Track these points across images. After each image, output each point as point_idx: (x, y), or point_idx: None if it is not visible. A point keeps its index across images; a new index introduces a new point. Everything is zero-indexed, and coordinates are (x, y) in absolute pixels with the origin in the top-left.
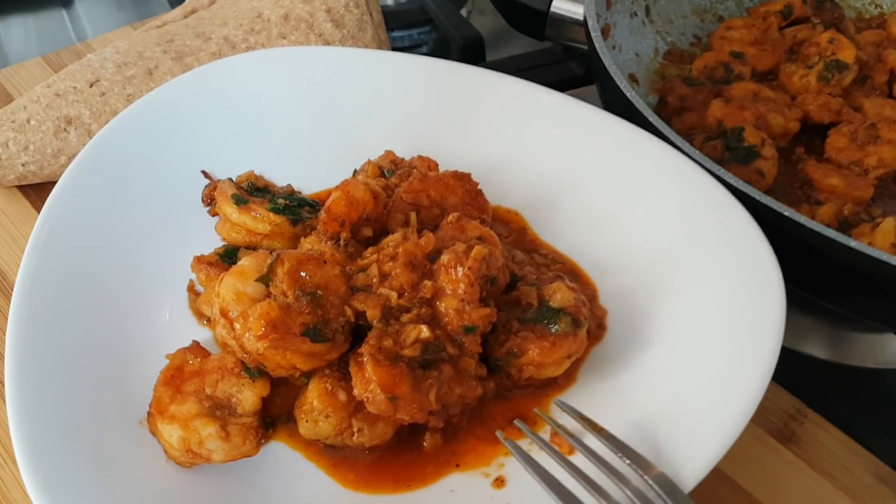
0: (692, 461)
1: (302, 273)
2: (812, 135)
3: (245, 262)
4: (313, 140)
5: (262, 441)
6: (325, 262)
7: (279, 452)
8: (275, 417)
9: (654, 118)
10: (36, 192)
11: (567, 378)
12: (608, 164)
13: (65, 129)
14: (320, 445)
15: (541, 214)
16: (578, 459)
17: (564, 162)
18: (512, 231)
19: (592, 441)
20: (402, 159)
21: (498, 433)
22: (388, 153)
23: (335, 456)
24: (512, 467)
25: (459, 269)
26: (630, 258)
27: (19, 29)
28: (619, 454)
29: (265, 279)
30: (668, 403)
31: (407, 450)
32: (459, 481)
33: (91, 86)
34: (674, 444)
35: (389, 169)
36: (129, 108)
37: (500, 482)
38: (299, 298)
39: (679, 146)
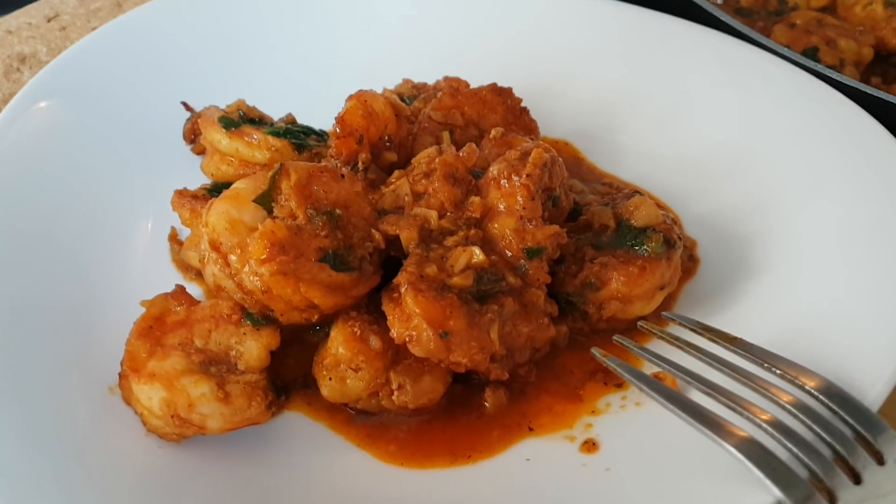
0: (868, 371)
1: (314, 188)
2: (885, 65)
3: (239, 184)
4: (314, 71)
5: (274, 410)
6: (342, 175)
7: (297, 425)
8: (287, 383)
9: (723, 14)
10: None
11: (657, 319)
12: (672, 73)
13: (17, 69)
14: (349, 412)
15: (595, 142)
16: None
17: (618, 78)
18: (565, 163)
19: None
20: (424, 84)
21: (594, 351)
22: (407, 81)
23: (369, 424)
24: (604, 427)
25: (515, 178)
26: (712, 177)
27: None
28: (766, 365)
29: (266, 200)
30: (800, 331)
31: (463, 413)
32: (536, 448)
33: (49, 21)
34: (828, 364)
35: (410, 95)
36: (91, 34)
37: (590, 446)
38: (313, 219)
39: (755, 39)
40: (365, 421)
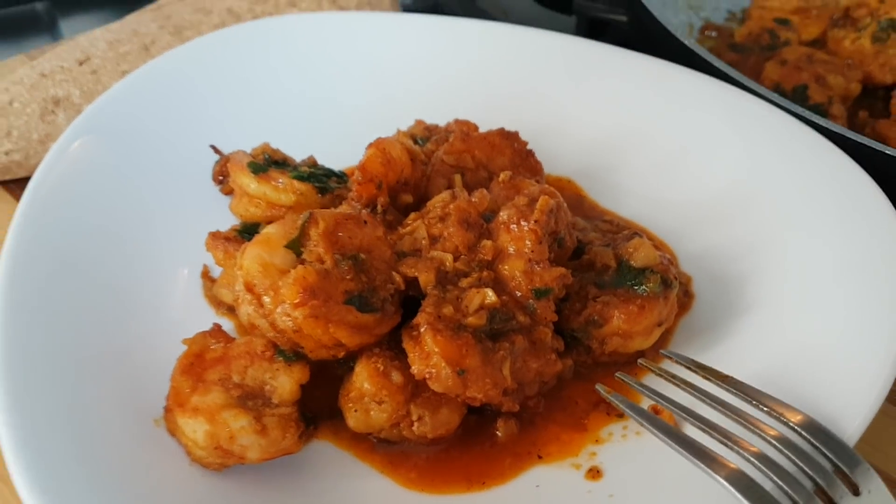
0: (847, 408)
1: (340, 234)
2: (872, 99)
3: (270, 229)
4: (332, 113)
5: (305, 439)
6: (365, 221)
7: (324, 453)
8: (315, 414)
9: (718, 62)
10: (21, 189)
11: (655, 352)
12: (670, 116)
13: (52, 111)
14: (373, 441)
15: (596, 181)
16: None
17: (619, 120)
18: (567, 200)
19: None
20: (436, 126)
21: (598, 387)
22: (419, 122)
23: (391, 452)
24: (607, 455)
25: (524, 223)
26: (707, 217)
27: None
28: (754, 402)
29: (296, 245)
30: (786, 367)
31: (477, 442)
32: (545, 475)
33: (81, 64)
34: (810, 400)
35: (423, 136)
36: (123, 79)
37: (594, 473)
38: (339, 263)
39: (749, 87)
40: (387, 449)
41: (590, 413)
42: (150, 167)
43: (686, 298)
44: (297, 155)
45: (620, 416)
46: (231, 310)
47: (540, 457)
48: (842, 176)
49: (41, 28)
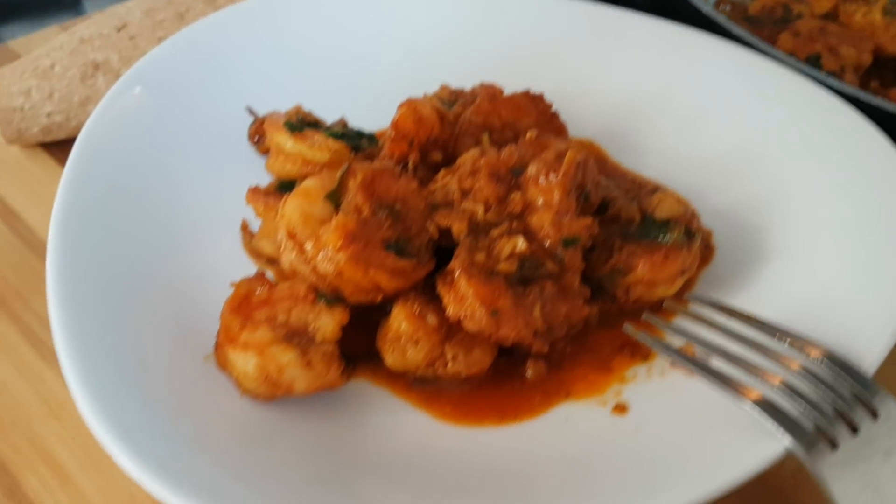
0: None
1: (377, 186)
2: (883, 70)
3: (309, 182)
4: (360, 79)
5: (346, 376)
6: (399, 175)
7: (363, 390)
8: (353, 356)
9: (735, 27)
10: (62, 151)
11: (678, 301)
12: (689, 79)
13: (92, 75)
14: (409, 380)
15: (618, 142)
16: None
17: (639, 83)
18: None
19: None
20: (462, 90)
21: (626, 327)
22: (444, 87)
23: (426, 390)
24: (632, 393)
25: (552, 176)
26: (726, 175)
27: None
28: (777, 337)
29: (335, 196)
30: (805, 311)
31: (508, 381)
32: (573, 411)
33: (119, 31)
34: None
35: (449, 100)
36: (161, 45)
37: (620, 409)
38: (377, 213)
39: (766, 51)
40: (422, 387)
41: (615, 356)
42: (189, 127)
43: (707, 251)
44: (327, 119)
45: (645, 358)
46: (270, 261)
47: (568, 395)
48: (856, 134)
49: (64, 6)
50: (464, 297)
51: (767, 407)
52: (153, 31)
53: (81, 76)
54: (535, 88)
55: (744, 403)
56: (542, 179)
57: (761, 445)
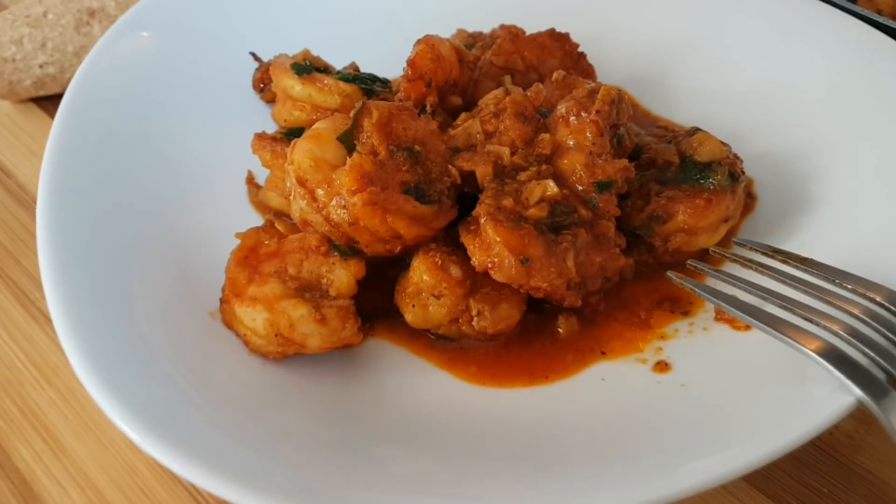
0: None
1: (394, 125)
2: None
3: (320, 124)
4: (371, 23)
5: (363, 335)
6: (418, 114)
7: (382, 349)
8: (370, 313)
9: None
10: (55, 106)
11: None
12: (721, 20)
13: (87, 23)
14: (430, 338)
15: (648, 88)
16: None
17: (669, 25)
18: None
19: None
20: (480, 33)
21: (669, 273)
22: (461, 31)
23: (450, 349)
24: (674, 350)
25: (584, 114)
26: (765, 120)
27: None
28: (836, 281)
29: (348, 137)
30: (856, 257)
31: (538, 339)
32: (610, 370)
33: None
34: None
35: (467, 44)
36: None
37: (662, 366)
38: (394, 154)
39: None
40: (445, 346)
41: (653, 311)
42: (190, 75)
43: (749, 200)
44: (337, 65)
45: (686, 313)
46: (278, 215)
47: (603, 353)
48: None
49: None
50: (490, 245)
51: (832, 355)
52: None
53: (76, 24)
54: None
55: (806, 352)
56: (572, 119)
57: (825, 399)
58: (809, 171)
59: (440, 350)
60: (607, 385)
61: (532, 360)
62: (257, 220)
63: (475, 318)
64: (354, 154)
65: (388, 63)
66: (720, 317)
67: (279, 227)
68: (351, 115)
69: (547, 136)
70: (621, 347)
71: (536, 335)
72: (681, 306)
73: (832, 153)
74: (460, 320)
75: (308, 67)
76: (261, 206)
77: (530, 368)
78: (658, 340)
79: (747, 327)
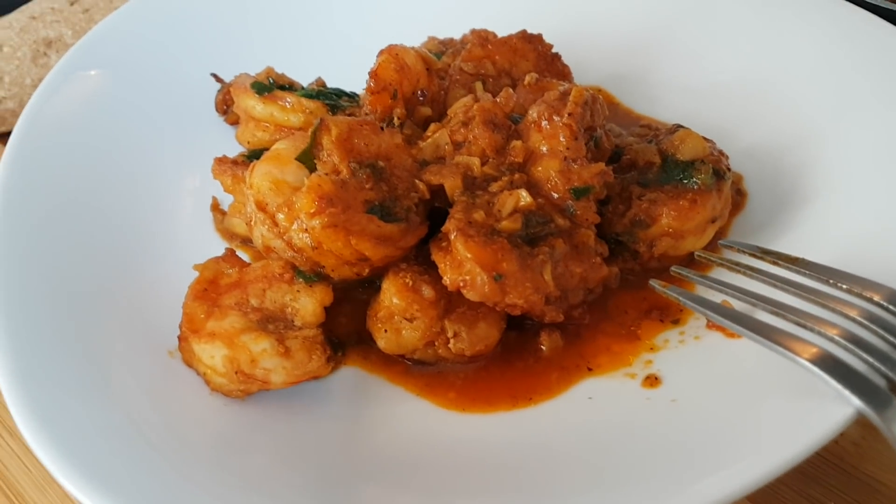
0: None
1: (355, 141)
2: None
3: (279, 145)
4: (338, 36)
5: (333, 364)
6: (381, 127)
7: (355, 379)
8: (341, 340)
9: None
10: None
11: (709, 252)
12: (700, 9)
13: (45, 54)
14: (406, 364)
15: (629, 86)
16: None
17: (647, 19)
18: None
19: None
20: (451, 39)
21: (652, 282)
22: (432, 38)
23: (427, 374)
24: (664, 362)
25: (556, 118)
26: (751, 112)
27: None
28: (831, 280)
29: (307, 157)
30: (853, 253)
31: (520, 358)
32: (597, 387)
33: (72, 4)
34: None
35: (437, 52)
36: (114, 13)
37: (652, 381)
38: (356, 172)
39: None
40: (422, 371)
41: (641, 321)
42: (150, 101)
43: (738, 197)
44: (304, 81)
45: (676, 321)
46: (245, 241)
47: (590, 369)
48: (888, 48)
49: None
50: (462, 262)
51: (828, 363)
52: (109, 2)
53: (33, 55)
54: (532, 31)
55: (800, 361)
56: (544, 123)
57: (824, 411)
58: (801, 164)
59: (417, 375)
60: (595, 404)
61: (514, 380)
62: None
63: (451, 341)
64: (312, 175)
65: (359, 75)
66: (712, 324)
67: (246, 253)
68: (309, 132)
69: (519, 143)
70: (609, 362)
71: (518, 354)
72: (670, 315)
73: (824, 144)
74: (436, 343)
75: (269, 86)
76: (227, 233)
77: (513, 390)
78: (647, 353)
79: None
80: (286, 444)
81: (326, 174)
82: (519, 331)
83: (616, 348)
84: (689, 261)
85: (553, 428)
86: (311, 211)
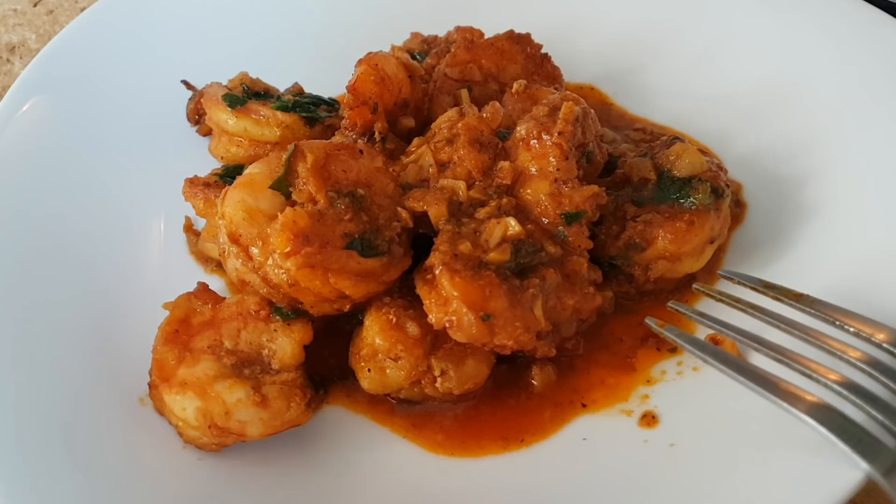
0: None
1: (333, 168)
2: None
3: (253, 168)
4: (315, 33)
5: (314, 406)
6: (360, 151)
7: (338, 420)
8: (324, 376)
9: None
10: None
11: (708, 275)
12: (701, 5)
13: (8, 60)
14: (391, 402)
15: (622, 85)
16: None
17: (643, 14)
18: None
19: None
20: (435, 37)
21: (648, 321)
22: (415, 35)
23: (413, 413)
24: (661, 397)
25: (545, 137)
26: (751, 116)
27: None
28: (834, 321)
29: (282, 185)
30: (861, 277)
31: (511, 394)
32: (592, 425)
33: (35, 5)
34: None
35: (421, 51)
36: (81, 16)
37: (649, 419)
38: (334, 202)
39: None
40: (408, 410)
41: (637, 350)
42: (116, 112)
43: (738, 208)
44: (280, 84)
45: (673, 350)
46: (220, 266)
47: (584, 405)
48: None
49: None
50: (448, 300)
51: (826, 415)
52: (74, 2)
53: None
54: (522, 27)
55: (805, 419)
56: (534, 142)
57: (833, 471)
58: (805, 173)
59: (403, 415)
60: (590, 446)
61: (506, 419)
62: (200, 273)
63: (439, 379)
64: (287, 209)
65: (338, 76)
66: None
67: (222, 279)
68: (284, 159)
69: (507, 164)
70: (604, 397)
71: (509, 390)
72: (667, 343)
73: (828, 150)
74: (423, 381)
75: (241, 99)
76: (201, 257)
77: (504, 431)
78: (644, 386)
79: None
80: (265, 499)
81: (302, 204)
82: (510, 363)
83: (611, 381)
84: (687, 282)
85: (546, 474)
86: (286, 251)
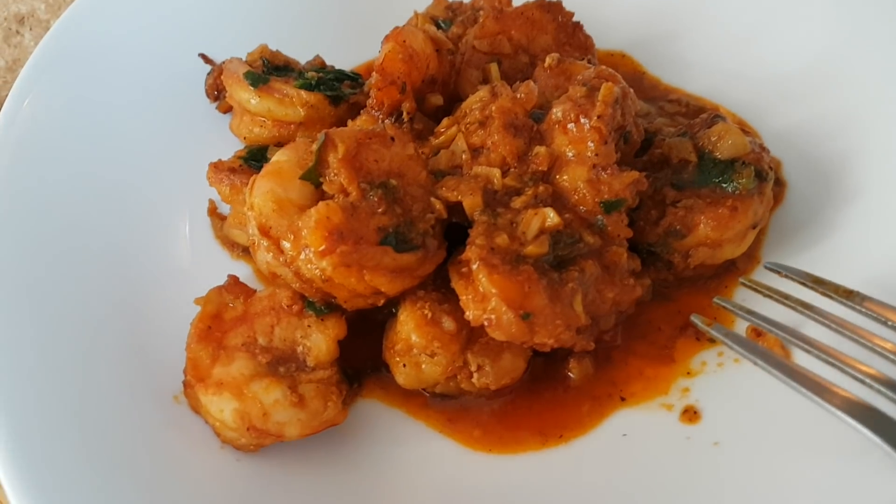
0: None
1: (364, 158)
2: None
3: (281, 156)
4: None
5: (349, 402)
6: (391, 138)
7: (372, 414)
8: (357, 369)
9: None
10: None
11: (748, 259)
12: None
13: (17, 32)
14: (427, 396)
15: (656, 53)
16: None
17: None
18: (623, 78)
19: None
20: (461, 2)
21: (693, 318)
22: (439, 0)
23: (449, 408)
24: (702, 390)
25: (584, 120)
26: (792, 89)
27: None
28: (889, 320)
29: (313, 175)
30: None
31: (548, 388)
32: (632, 420)
33: None
34: None
35: (445, 18)
36: None
37: (691, 415)
38: (367, 194)
39: None
40: (444, 404)
41: (676, 340)
42: (132, 90)
43: (777, 187)
44: (301, 56)
45: (713, 340)
46: (247, 251)
47: (623, 398)
48: None
49: None
50: (486, 297)
51: (859, 410)
52: None
53: (5, 34)
54: None
55: (830, 408)
56: (571, 126)
57: (884, 478)
58: (846, 151)
59: (438, 409)
60: (630, 443)
61: (543, 414)
62: (226, 259)
63: (475, 374)
64: (320, 204)
65: (362, 43)
66: (756, 336)
67: (250, 266)
68: (313, 149)
69: (543, 149)
70: (643, 390)
71: (546, 383)
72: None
73: (869, 132)
74: (458, 376)
75: (263, 77)
76: (227, 241)
77: (542, 426)
78: (684, 378)
79: (786, 353)
80: (303, 498)
81: (333, 196)
82: (546, 356)
83: (650, 373)
84: (726, 267)
85: (586, 472)
86: (321, 249)
